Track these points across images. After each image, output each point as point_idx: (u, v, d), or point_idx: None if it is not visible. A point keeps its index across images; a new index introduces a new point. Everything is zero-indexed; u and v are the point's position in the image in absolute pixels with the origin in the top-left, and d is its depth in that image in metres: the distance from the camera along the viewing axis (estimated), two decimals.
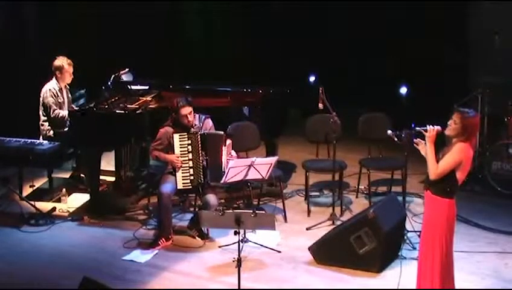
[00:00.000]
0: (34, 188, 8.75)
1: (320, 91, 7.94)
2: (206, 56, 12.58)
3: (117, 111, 8.24)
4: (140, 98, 8.75)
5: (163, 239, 7.47)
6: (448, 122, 5.72)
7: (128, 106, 8.34)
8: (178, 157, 7.51)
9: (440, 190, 5.72)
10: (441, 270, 5.77)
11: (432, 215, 5.78)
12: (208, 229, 7.62)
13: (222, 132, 7.64)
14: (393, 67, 11.15)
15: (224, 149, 7.50)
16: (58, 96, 8.64)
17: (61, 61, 8.68)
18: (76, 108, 8.86)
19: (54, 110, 8.56)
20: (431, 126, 5.78)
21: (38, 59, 10.30)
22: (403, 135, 6.42)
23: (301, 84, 9.88)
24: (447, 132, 5.73)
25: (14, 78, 10.26)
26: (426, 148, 5.75)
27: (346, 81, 11.54)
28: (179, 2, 12.58)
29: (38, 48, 10.74)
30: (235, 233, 6.01)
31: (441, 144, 5.85)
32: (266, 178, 7.59)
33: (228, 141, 7.58)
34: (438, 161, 5.70)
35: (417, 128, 5.89)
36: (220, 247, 7.44)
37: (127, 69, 9.05)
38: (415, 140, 5.94)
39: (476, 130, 5.80)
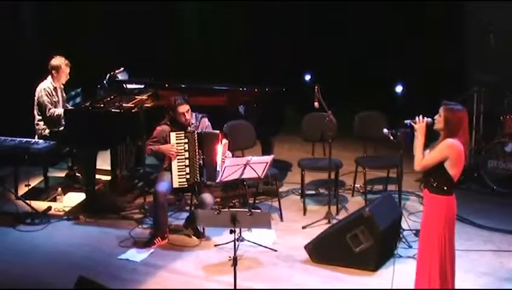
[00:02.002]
0: (30, 187, 8.73)
1: (316, 90, 7.94)
2: (203, 55, 12.57)
3: (112, 110, 8.24)
4: (136, 97, 8.75)
5: (159, 238, 7.47)
6: (435, 116, 5.74)
7: (124, 104, 8.34)
8: (172, 145, 7.49)
9: (437, 188, 5.70)
10: (440, 270, 5.73)
11: (431, 214, 5.74)
12: (203, 228, 7.61)
13: (218, 131, 7.63)
14: (389, 66, 11.14)
15: (220, 149, 7.48)
16: (53, 95, 8.63)
17: (59, 61, 8.67)
18: (71, 107, 8.86)
19: (49, 109, 8.55)
20: (420, 117, 5.80)
21: (34, 58, 10.29)
22: (398, 134, 6.43)
23: (297, 83, 9.89)
24: (435, 126, 5.74)
25: (9, 78, 10.24)
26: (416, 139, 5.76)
27: (341, 80, 11.53)
28: (176, 1, 12.57)
29: (34, 47, 10.72)
30: (231, 232, 6.02)
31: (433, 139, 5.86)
32: (262, 177, 7.60)
33: (224, 141, 7.57)
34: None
35: (406, 121, 5.91)
36: (215, 246, 7.44)
37: (122, 68, 9.04)
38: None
39: (461, 124, 5.68)
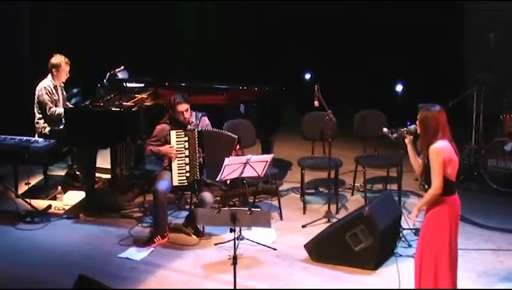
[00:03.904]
0: (30, 185, 8.74)
1: (316, 89, 7.94)
2: (203, 54, 12.58)
3: (112, 109, 8.24)
4: (136, 95, 8.75)
5: (158, 237, 7.47)
6: (417, 122, 5.75)
7: (124, 103, 8.34)
8: (171, 147, 7.51)
9: None
10: (450, 270, 5.70)
11: (435, 215, 5.67)
12: (203, 227, 7.61)
13: (236, 136, 7.65)
14: (390, 65, 11.15)
15: (234, 153, 7.51)
16: (53, 93, 8.63)
17: (58, 59, 8.68)
18: (71, 106, 8.86)
19: (50, 108, 8.56)
20: (405, 128, 5.84)
21: (34, 57, 10.30)
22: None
23: (297, 82, 9.89)
24: (418, 131, 5.74)
25: (9, 76, 10.24)
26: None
27: (341, 79, 11.53)
28: (176, 1, 12.57)
29: (34, 46, 10.73)
30: (231, 231, 6.02)
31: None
32: (262, 176, 7.59)
33: (237, 147, 7.62)
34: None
35: (394, 135, 5.95)
36: (215, 245, 7.44)
37: (122, 67, 9.04)
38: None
39: (437, 124, 5.60)
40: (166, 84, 9.09)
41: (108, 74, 8.71)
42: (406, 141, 5.88)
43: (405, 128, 5.87)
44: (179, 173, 7.55)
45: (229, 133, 7.73)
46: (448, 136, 5.65)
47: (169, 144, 7.55)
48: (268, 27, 12.36)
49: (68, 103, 8.92)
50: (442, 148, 5.59)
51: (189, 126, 7.64)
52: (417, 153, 5.82)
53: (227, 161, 7.22)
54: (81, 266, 6.81)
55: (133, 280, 6.77)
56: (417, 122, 5.72)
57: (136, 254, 7.26)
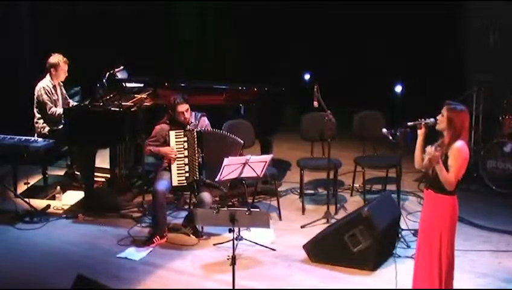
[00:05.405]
0: (29, 185, 8.74)
1: (315, 89, 7.94)
2: (203, 54, 12.58)
3: (112, 108, 8.24)
4: (135, 95, 8.75)
5: (157, 237, 7.47)
6: (438, 117, 5.73)
7: (123, 103, 8.34)
8: (172, 149, 7.51)
9: (443, 189, 5.67)
10: (447, 270, 5.70)
11: (436, 214, 5.67)
12: (202, 227, 7.61)
13: (242, 141, 7.65)
14: (390, 65, 11.14)
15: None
16: (52, 93, 8.63)
17: (57, 58, 8.67)
18: (76, 103, 8.86)
19: (50, 108, 8.56)
20: (422, 120, 5.81)
21: (34, 57, 10.29)
22: (397, 134, 6.43)
23: (296, 82, 9.89)
24: (437, 126, 5.74)
25: (9, 76, 10.24)
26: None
27: (341, 79, 11.53)
28: (175, 1, 12.57)
29: (34, 45, 10.73)
30: (230, 231, 6.02)
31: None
32: (261, 176, 7.59)
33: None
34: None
35: (409, 123, 5.93)
36: (214, 245, 7.44)
37: (121, 67, 9.03)
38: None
39: (463, 124, 5.67)
40: (166, 84, 9.09)
41: (108, 73, 8.71)
42: (420, 132, 5.84)
43: (423, 120, 5.84)
44: (178, 173, 7.55)
45: (236, 137, 7.71)
46: (466, 137, 5.67)
47: (169, 144, 7.56)
48: (268, 27, 12.35)
49: (71, 101, 8.92)
50: (465, 149, 5.62)
51: (188, 126, 7.64)
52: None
53: (226, 161, 7.22)
54: (79, 265, 6.80)
55: (131, 280, 6.77)
56: (440, 117, 5.70)
57: (135, 254, 7.26)
